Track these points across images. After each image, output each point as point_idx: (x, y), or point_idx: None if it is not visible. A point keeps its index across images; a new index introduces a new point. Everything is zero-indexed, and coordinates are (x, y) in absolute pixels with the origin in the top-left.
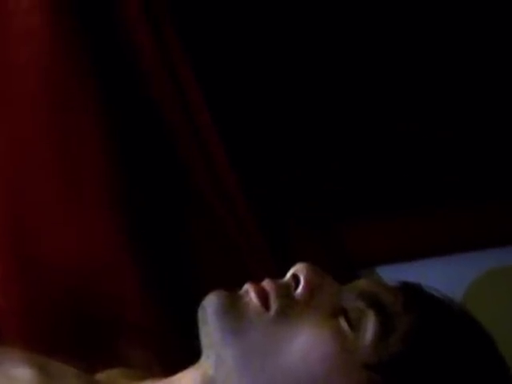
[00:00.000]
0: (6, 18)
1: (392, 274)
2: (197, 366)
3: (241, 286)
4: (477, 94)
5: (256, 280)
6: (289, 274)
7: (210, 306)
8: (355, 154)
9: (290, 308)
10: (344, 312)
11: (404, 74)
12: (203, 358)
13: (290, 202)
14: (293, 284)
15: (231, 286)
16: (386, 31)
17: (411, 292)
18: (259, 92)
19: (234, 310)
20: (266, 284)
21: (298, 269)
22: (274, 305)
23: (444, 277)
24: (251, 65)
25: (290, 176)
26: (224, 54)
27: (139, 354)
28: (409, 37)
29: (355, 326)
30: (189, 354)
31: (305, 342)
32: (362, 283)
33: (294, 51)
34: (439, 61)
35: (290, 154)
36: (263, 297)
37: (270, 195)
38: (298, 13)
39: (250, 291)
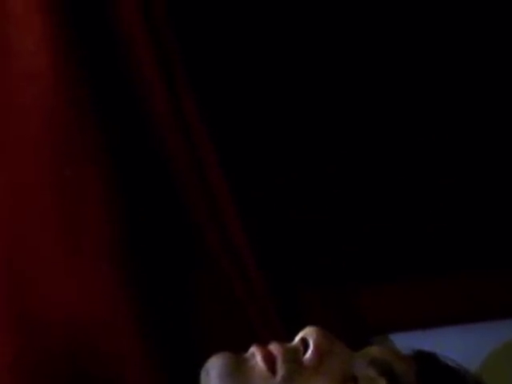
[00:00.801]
0: (9, 58)
1: (406, 342)
2: None
3: (246, 349)
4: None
5: (263, 343)
6: (297, 338)
7: (214, 368)
8: (373, 216)
9: (297, 374)
10: (354, 380)
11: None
12: None
13: (301, 261)
14: (301, 348)
15: (236, 349)
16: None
17: (425, 361)
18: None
19: (238, 373)
20: (274, 347)
21: (308, 332)
22: (280, 370)
23: (460, 347)
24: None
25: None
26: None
27: None
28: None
29: None
30: None
31: None
32: (375, 350)
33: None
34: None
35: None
36: (270, 361)
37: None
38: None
39: (256, 354)
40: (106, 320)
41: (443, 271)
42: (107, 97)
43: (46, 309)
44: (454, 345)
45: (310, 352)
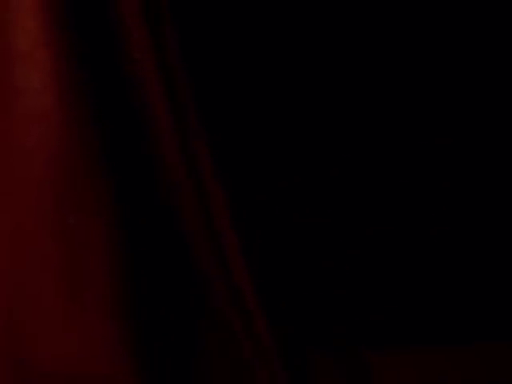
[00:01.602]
0: (14, 97)
1: None
2: None
3: None
4: None
5: None
6: None
7: None
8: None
9: None
10: None
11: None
12: None
13: (313, 323)
14: None
15: None
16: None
17: None
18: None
19: None
20: None
21: None
22: None
23: None
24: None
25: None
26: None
27: None
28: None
29: None
30: None
31: None
32: None
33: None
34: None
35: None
36: None
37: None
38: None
39: None
40: (105, 375)
41: (461, 339)
42: (115, 140)
43: (45, 360)
44: None
45: None
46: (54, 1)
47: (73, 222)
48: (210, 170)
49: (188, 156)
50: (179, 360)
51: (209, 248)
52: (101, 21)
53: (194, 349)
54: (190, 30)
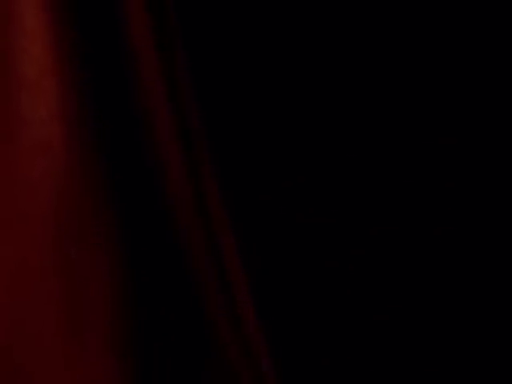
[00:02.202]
0: (20, 127)
1: None
2: None
3: None
4: None
5: None
6: None
7: None
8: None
9: None
10: None
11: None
12: None
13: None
14: None
15: None
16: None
17: None
18: None
19: None
20: None
21: None
22: None
23: None
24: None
25: None
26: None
27: None
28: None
29: None
30: None
31: None
32: None
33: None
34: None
35: None
36: None
37: None
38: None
39: None
40: None
41: None
42: (122, 173)
43: None
44: None
45: None
46: (64, 27)
47: (75, 256)
48: (218, 204)
49: (198, 194)
50: None
51: (219, 295)
52: (110, 48)
53: None
54: (200, 55)
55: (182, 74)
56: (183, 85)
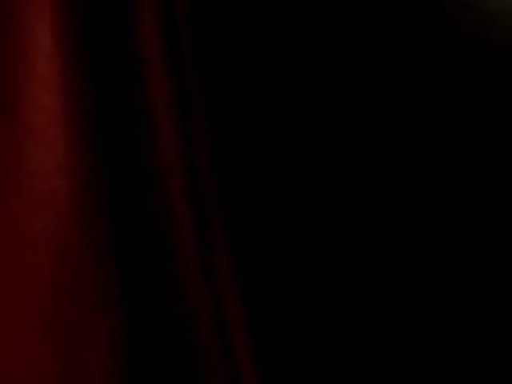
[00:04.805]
0: (24, 179)
1: None
2: None
3: None
4: None
5: None
6: None
7: None
8: None
9: None
10: None
11: None
12: None
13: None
14: None
15: None
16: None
17: None
18: None
19: None
20: None
21: None
22: None
23: None
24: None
25: None
26: None
27: None
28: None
29: None
30: None
31: None
32: None
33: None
34: None
35: None
36: None
37: None
38: None
39: None
40: None
41: None
42: (126, 233)
43: None
44: None
45: None
46: (75, 74)
47: (74, 318)
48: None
49: (208, 264)
50: None
51: (224, 369)
52: (122, 98)
53: None
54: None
55: (199, 138)
56: (200, 154)
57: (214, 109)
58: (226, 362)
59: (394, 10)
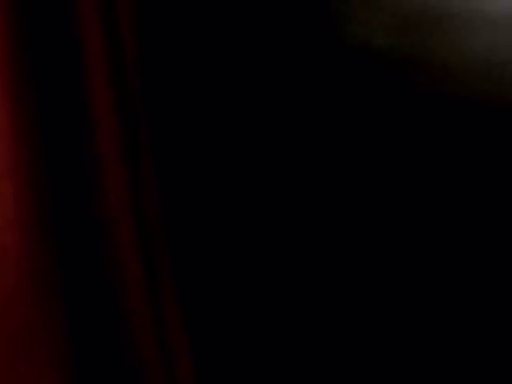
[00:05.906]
0: None
1: None
2: None
3: None
4: None
5: None
6: None
7: None
8: None
9: None
10: None
11: None
12: None
13: None
14: None
15: None
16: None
17: None
18: None
19: None
20: None
21: None
22: None
23: None
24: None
25: None
26: None
27: None
28: None
29: None
30: None
31: None
32: None
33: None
34: None
35: None
36: None
37: None
38: None
39: None
40: None
41: None
42: (76, 286)
43: None
44: None
45: None
46: (25, 125)
47: (23, 371)
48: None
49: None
50: None
51: None
52: (73, 156)
53: None
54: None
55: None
56: (148, 204)
57: (162, 160)
58: None
59: None
